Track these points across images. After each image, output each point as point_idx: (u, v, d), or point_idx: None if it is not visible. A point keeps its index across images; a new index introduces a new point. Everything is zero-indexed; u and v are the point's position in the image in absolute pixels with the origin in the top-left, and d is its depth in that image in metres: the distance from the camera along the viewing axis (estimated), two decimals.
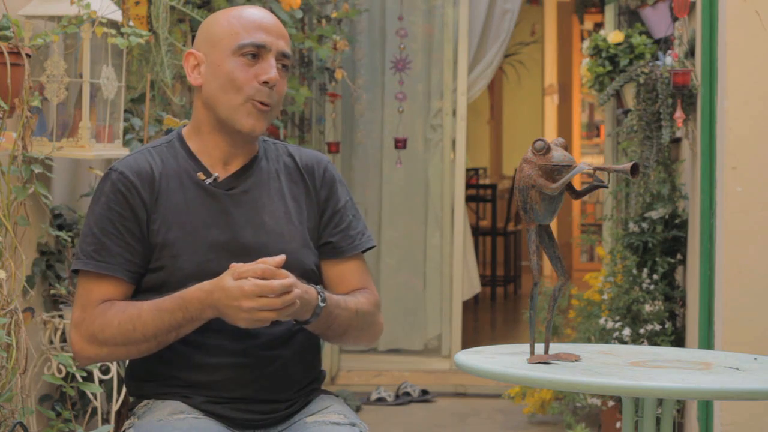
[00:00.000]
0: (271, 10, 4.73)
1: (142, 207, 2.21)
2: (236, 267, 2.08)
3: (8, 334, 2.87)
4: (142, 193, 2.21)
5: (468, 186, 8.43)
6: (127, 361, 2.32)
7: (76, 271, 2.22)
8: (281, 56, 2.25)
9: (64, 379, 3.38)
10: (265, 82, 2.21)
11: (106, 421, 3.57)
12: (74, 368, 3.33)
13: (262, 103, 2.22)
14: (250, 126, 2.22)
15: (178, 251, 2.19)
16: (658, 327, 4.36)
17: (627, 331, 4.35)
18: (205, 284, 2.09)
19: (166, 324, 2.11)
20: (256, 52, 2.22)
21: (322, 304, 2.16)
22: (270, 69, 2.22)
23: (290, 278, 2.06)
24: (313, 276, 2.29)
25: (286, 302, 2.05)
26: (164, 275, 2.19)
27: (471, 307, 8.14)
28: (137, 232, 2.20)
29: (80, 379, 3.35)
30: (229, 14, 2.26)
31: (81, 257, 2.20)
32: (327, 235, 2.32)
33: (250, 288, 2.04)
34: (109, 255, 2.18)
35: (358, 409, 5.20)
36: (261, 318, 2.06)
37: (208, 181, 2.25)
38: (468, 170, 9.13)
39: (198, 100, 2.28)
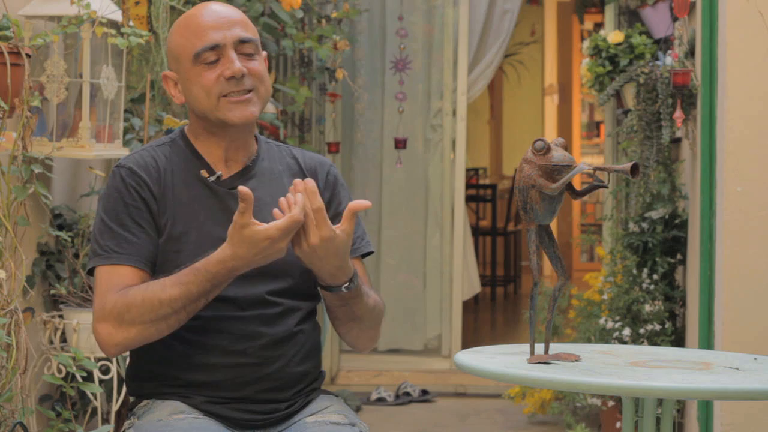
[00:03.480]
0: (272, 10, 4.75)
1: (152, 200, 2.22)
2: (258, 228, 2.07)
3: (8, 334, 2.87)
4: (151, 187, 2.22)
5: (468, 186, 8.42)
6: (128, 361, 2.32)
7: (91, 271, 2.20)
8: (239, 43, 2.23)
9: (64, 379, 3.38)
10: (232, 77, 2.21)
11: (106, 421, 3.57)
12: (74, 368, 3.33)
13: (239, 92, 2.21)
14: (238, 117, 2.22)
15: (180, 247, 2.20)
16: (658, 327, 4.36)
17: (627, 331, 4.35)
18: (223, 254, 2.08)
19: (194, 293, 2.10)
20: (215, 56, 2.21)
21: (355, 280, 2.18)
22: (231, 63, 2.20)
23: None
24: (313, 276, 2.29)
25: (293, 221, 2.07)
26: (167, 269, 2.18)
27: (471, 307, 8.14)
28: (152, 223, 2.21)
29: (80, 379, 3.35)
30: (180, 25, 2.26)
31: (101, 253, 2.18)
32: None
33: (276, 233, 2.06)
34: (130, 246, 2.18)
35: (358, 409, 5.20)
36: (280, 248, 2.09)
37: (212, 178, 2.26)
38: (468, 170, 9.13)
39: (190, 111, 2.31)
